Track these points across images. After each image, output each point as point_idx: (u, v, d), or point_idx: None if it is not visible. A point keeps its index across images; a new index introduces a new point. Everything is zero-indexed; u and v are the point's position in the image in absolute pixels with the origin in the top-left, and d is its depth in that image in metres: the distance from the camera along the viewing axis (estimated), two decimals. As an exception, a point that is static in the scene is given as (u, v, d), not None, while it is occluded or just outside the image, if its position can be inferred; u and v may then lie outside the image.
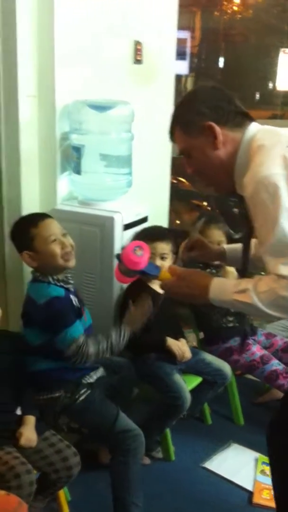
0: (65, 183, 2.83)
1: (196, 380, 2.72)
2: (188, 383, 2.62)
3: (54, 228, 2.29)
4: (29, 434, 2.05)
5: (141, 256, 1.83)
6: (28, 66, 2.60)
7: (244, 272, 1.89)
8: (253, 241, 1.89)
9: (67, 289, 2.29)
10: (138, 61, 3.19)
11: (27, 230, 2.28)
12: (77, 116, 2.74)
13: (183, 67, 5.48)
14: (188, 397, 2.54)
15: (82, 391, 2.26)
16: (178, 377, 2.58)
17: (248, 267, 1.90)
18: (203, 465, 2.66)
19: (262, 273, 1.70)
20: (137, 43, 3.16)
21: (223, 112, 1.71)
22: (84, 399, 2.25)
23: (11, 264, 2.74)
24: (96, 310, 2.64)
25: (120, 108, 2.86)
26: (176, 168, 3.68)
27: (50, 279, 2.27)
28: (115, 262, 2.09)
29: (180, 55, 5.11)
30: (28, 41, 2.58)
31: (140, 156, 3.00)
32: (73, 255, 2.30)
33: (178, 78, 6.35)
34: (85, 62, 2.80)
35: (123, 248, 1.97)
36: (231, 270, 2.81)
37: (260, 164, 1.58)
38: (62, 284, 2.29)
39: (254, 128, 1.72)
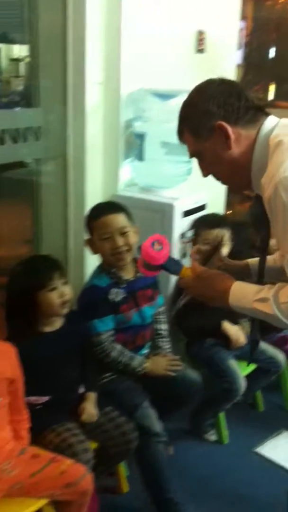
0: (127, 170, 2.90)
1: (250, 367, 2.74)
2: (242, 370, 2.65)
3: (112, 225, 2.28)
4: (90, 409, 2.12)
5: (160, 251, 1.74)
6: (96, 54, 2.67)
7: (260, 280, 1.74)
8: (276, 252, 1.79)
9: (116, 283, 2.31)
10: (200, 51, 3.22)
11: (90, 221, 2.34)
12: (141, 104, 2.80)
13: (237, 57, 5.47)
14: (242, 383, 2.58)
15: (107, 374, 2.31)
16: (233, 363, 2.62)
17: (263, 274, 1.75)
18: (256, 450, 2.69)
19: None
20: (200, 33, 3.19)
21: (233, 109, 1.54)
22: (106, 383, 2.29)
23: (74, 247, 2.83)
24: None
25: (182, 97, 2.84)
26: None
27: (105, 267, 2.32)
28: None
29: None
30: (96, 30, 2.64)
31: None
32: (128, 253, 2.29)
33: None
34: (149, 51, 2.84)
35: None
36: None
37: (279, 164, 1.43)
38: (113, 276, 2.31)
39: (270, 122, 1.56)
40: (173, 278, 2.81)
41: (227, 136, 1.55)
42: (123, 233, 2.28)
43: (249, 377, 2.69)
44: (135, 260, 2.35)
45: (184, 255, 2.90)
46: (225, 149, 1.56)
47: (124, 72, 2.74)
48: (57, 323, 2.15)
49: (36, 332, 2.11)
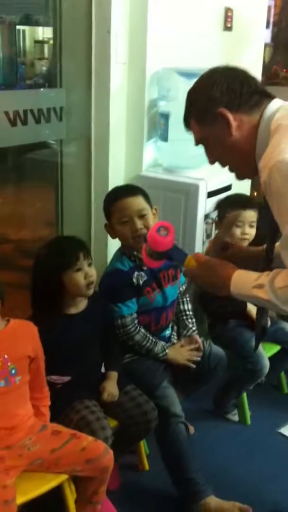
0: (151, 150, 2.89)
1: (274, 348, 2.74)
2: (266, 351, 2.64)
3: (130, 208, 2.25)
4: (111, 388, 2.14)
5: (165, 237, 1.74)
6: (121, 34, 2.65)
7: (268, 267, 1.71)
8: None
9: (138, 266, 2.30)
10: (228, 28, 3.18)
11: (107, 205, 2.33)
12: (166, 83, 2.78)
13: (265, 36, 5.37)
14: (266, 364, 2.58)
15: (128, 355, 2.33)
16: (257, 344, 2.61)
17: (271, 260, 1.75)
18: (279, 431, 2.69)
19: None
20: (228, 10, 3.14)
21: (235, 95, 1.56)
22: (127, 363, 2.31)
23: (96, 229, 2.84)
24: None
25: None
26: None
27: (126, 251, 2.32)
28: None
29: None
30: (121, 9, 2.62)
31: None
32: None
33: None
34: (175, 29, 2.81)
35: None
36: None
37: (275, 147, 1.44)
38: (135, 259, 2.31)
39: (274, 106, 1.56)
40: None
41: (228, 123, 1.56)
42: (142, 216, 2.26)
43: (273, 358, 2.68)
44: None
45: (208, 236, 2.89)
46: (228, 136, 1.58)
47: (150, 52, 2.72)
48: (82, 305, 2.17)
49: (61, 313, 2.13)
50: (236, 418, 2.77)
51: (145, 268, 2.29)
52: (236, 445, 2.61)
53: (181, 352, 2.38)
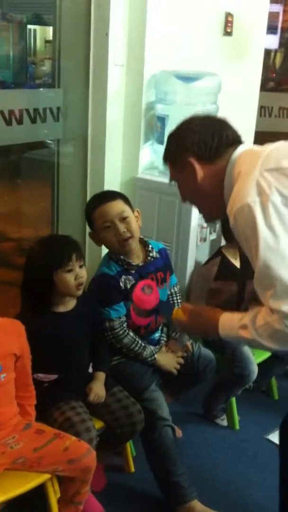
0: (147, 153, 2.89)
1: (265, 354, 2.73)
2: (257, 356, 2.64)
3: (110, 212, 2.25)
4: (98, 390, 2.14)
5: (150, 294, 1.84)
6: (119, 36, 2.66)
7: (240, 305, 1.80)
8: None
9: (126, 269, 2.29)
10: (227, 33, 3.18)
11: (88, 213, 2.33)
12: (164, 86, 2.78)
13: (273, 41, 5.38)
14: (254, 369, 2.58)
15: (116, 357, 2.33)
16: (246, 349, 2.60)
17: (244, 298, 1.87)
18: (267, 437, 2.69)
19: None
20: (228, 15, 3.14)
21: (205, 147, 1.66)
22: (115, 365, 2.31)
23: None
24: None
25: (206, 80, 2.87)
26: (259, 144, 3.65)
27: (113, 255, 2.32)
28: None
29: (271, 29, 5.02)
30: (120, 11, 2.63)
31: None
32: (132, 239, 2.26)
33: (267, 52, 6.21)
34: (174, 32, 2.82)
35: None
36: None
37: (236, 194, 1.52)
38: (122, 263, 2.30)
39: (238, 153, 1.65)
40: (191, 262, 2.82)
41: (195, 173, 1.67)
42: (123, 218, 2.26)
43: (264, 364, 2.68)
44: (145, 244, 2.36)
45: (204, 239, 2.90)
46: (196, 182, 1.69)
47: (148, 54, 2.73)
48: (70, 304, 2.17)
49: (49, 311, 2.14)
50: (225, 422, 2.77)
51: (132, 271, 2.30)
52: (223, 449, 2.61)
53: (169, 359, 2.37)
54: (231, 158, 1.65)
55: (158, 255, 2.37)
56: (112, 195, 2.33)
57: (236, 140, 1.69)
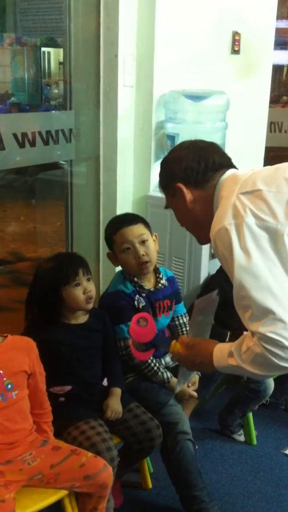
0: (159, 171, 2.92)
1: (281, 368, 2.72)
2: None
3: (131, 235, 2.28)
4: (115, 405, 2.15)
5: (145, 327, 1.83)
6: (128, 57, 2.72)
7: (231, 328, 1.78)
8: None
9: (138, 291, 2.31)
10: (235, 52, 3.23)
11: (109, 235, 2.36)
12: (173, 106, 2.83)
13: (283, 57, 5.42)
14: (270, 384, 2.57)
15: (130, 374, 2.33)
16: (262, 364, 2.60)
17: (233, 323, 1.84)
18: (285, 452, 2.68)
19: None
20: (235, 34, 3.19)
21: (192, 172, 1.70)
22: (130, 382, 2.31)
23: (105, 247, 2.86)
24: (184, 293, 2.72)
25: (215, 98, 2.91)
26: (270, 160, 3.69)
27: (127, 275, 2.34)
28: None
29: (281, 44, 5.07)
30: (129, 33, 2.69)
31: (233, 145, 3.02)
32: (150, 263, 2.29)
33: (279, 68, 6.26)
34: (183, 52, 2.88)
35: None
36: None
37: (216, 218, 1.56)
38: (135, 285, 2.32)
39: (225, 177, 1.69)
40: (204, 277, 2.84)
41: (184, 197, 1.71)
42: (143, 241, 2.29)
43: (281, 379, 2.66)
44: (156, 271, 2.38)
45: (213, 256, 2.91)
46: (186, 207, 1.73)
47: (157, 75, 2.78)
48: (82, 319, 2.20)
49: (60, 322, 2.16)
50: (242, 438, 2.76)
51: (143, 294, 2.32)
52: (240, 465, 2.60)
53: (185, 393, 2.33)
54: (218, 183, 1.69)
55: (167, 283, 2.39)
56: (133, 219, 2.37)
57: (224, 165, 1.73)
